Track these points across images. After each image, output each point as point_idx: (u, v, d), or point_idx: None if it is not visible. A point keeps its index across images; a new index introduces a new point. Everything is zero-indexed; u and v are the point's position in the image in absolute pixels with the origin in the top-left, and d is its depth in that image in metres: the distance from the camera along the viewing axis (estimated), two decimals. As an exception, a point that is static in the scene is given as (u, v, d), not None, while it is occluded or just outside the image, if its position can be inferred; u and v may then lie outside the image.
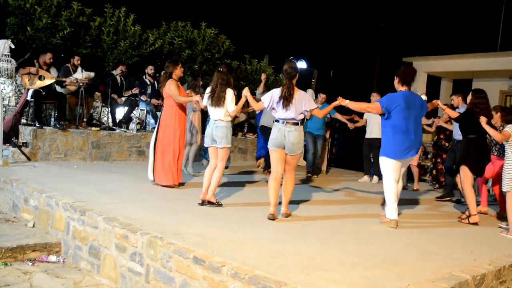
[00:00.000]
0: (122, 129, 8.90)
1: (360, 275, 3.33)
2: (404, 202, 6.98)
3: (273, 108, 5.04)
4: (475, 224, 5.58)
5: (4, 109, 7.89)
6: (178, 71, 6.30)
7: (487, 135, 5.71)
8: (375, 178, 8.90)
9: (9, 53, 7.06)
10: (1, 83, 8.33)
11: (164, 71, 6.38)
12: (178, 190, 6.21)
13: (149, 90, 9.47)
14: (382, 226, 5.08)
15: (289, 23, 24.00)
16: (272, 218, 4.91)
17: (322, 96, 8.86)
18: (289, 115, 4.93)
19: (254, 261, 3.40)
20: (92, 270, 4.31)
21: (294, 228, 4.65)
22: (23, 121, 8.06)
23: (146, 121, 10.03)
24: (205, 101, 5.58)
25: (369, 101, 7.66)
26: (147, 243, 3.80)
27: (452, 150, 7.43)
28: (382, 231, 4.88)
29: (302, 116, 5.04)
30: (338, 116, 9.23)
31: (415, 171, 8.54)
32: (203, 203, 5.39)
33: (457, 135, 6.89)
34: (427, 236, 4.83)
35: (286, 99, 4.90)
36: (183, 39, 11.20)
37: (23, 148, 7.43)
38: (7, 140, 7.21)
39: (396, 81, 5.24)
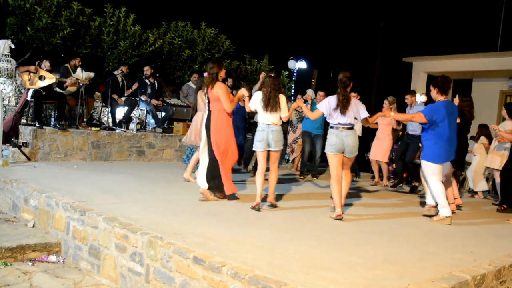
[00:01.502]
0: (122, 129, 8.91)
1: (360, 275, 3.33)
2: (404, 203, 6.98)
3: (329, 114, 5.35)
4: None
5: (4, 109, 7.89)
6: (223, 73, 5.90)
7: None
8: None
9: (9, 53, 7.07)
10: (1, 83, 8.33)
11: (208, 72, 5.83)
12: (178, 190, 6.21)
13: (149, 90, 9.48)
14: (381, 226, 5.09)
15: (289, 23, 24.00)
16: (340, 218, 5.15)
17: (320, 94, 8.51)
18: (346, 120, 5.29)
19: (254, 261, 3.40)
20: (92, 270, 4.31)
21: (294, 228, 4.65)
22: (23, 121, 8.07)
23: (146, 121, 10.04)
24: (256, 105, 5.59)
25: (365, 103, 7.59)
26: (147, 243, 3.80)
27: (404, 142, 8.11)
28: (382, 231, 4.88)
29: (356, 121, 5.42)
30: None
31: (384, 167, 8.57)
32: (257, 208, 5.31)
33: (411, 130, 7.86)
34: (427, 236, 4.83)
35: (344, 107, 5.24)
36: (183, 39, 11.21)
37: (23, 148, 7.44)
38: (7, 140, 7.21)
39: (435, 91, 5.58)
